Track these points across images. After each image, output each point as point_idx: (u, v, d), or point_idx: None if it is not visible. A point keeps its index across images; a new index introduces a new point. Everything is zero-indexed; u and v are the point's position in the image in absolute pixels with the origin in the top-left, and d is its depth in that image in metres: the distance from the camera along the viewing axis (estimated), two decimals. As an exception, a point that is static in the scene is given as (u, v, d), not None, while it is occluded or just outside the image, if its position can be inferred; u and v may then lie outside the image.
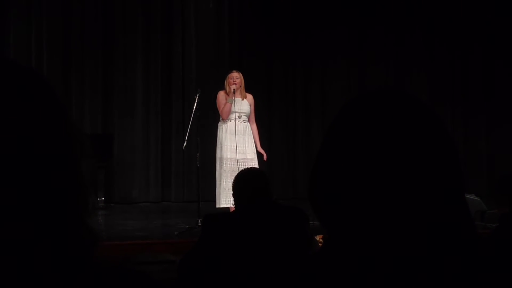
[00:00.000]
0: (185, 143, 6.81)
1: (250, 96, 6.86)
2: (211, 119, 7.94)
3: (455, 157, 0.95)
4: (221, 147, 6.65)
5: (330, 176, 0.96)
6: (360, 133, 0.95)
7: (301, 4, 9.65)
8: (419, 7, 9.93)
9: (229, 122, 6.66)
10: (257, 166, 6.61)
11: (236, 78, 6.72)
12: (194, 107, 6.75)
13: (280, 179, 9.36)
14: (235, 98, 6.65)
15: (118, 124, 9.18)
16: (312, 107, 9.81)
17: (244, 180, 3.40)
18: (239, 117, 6.69)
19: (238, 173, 3.62)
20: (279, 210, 3.34)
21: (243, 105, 6.73)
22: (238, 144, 6.59)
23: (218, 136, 6.75)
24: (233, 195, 3.47)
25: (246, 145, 6.66)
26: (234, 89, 6.64)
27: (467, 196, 4.94)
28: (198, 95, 6.78)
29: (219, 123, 6.79)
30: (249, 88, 6.93)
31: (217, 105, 6.76)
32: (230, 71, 6.91)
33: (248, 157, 6.62)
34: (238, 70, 6.96)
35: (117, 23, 9.22)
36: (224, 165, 6.58)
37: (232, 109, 6.62)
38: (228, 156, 6.60)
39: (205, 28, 9.53)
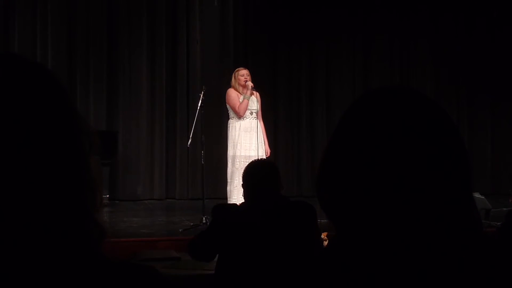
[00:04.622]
0: (190, 140, 6.80)
1: (257, 93, 6.83)
2: (215, 117, 7.94)
3: (463, 154, 0.95)
4: (234, 145, 6.59)
5: (338, 174, 0.96)
6: (367, 131, 0.95)
7: (304, 2, 9.64)
8: None
9: (242, 120, 6.60)
10: None
11: (247, 75, 6.66)
12: (199, 105, 6.73)
13: (285, 176, 9.34)
14: (247, 95, 6.61)
15: (123, 121, 9.19)
16: (316, 103, 9.80)
17: (254, 172, 3.39)
18: (251, 114, 6.66)
19: (248, 164, 3.59)
20: (288, 204, 3.34)
21: (253, 102, 6.69)
22: (252, 141, 6.55)
23: (230, 134, 6.66)
24: (243, 185, 3.44)
25: (259, 142, 6.62)
26: (252, 86, 6.60)
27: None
28: (203, 92, 6.76)
29: (231, 121, 6.71)
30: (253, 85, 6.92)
31: (230, 103, 6.65)
32: (238, 69, 6.84)
33: (260, 154, 6.60)
34: (245, 67, 6.92)
35: (122, 21, 9.22)
36: (238, 163, 6.50)
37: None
38: (242, 154, 6.54)
39: (210, 26, 9.52)
